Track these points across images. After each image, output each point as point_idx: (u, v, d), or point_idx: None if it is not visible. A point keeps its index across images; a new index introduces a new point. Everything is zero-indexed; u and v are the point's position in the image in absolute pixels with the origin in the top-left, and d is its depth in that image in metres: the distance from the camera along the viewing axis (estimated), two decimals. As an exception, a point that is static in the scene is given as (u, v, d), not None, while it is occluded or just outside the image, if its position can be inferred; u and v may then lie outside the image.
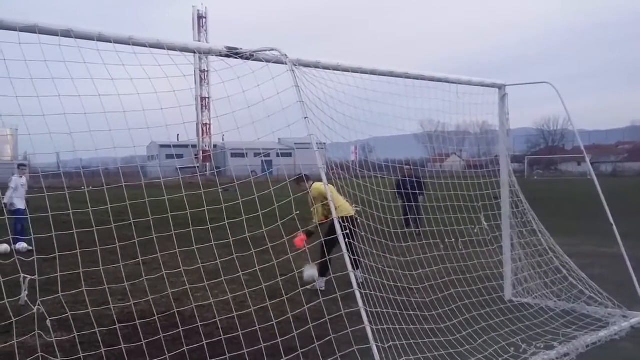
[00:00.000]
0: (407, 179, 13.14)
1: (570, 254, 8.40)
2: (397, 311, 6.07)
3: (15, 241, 12.76)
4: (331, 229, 7.70)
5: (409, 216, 13.54)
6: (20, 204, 13.76)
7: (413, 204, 13.50)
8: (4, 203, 13.51)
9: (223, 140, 62.38)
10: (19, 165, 15.38)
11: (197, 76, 71.46)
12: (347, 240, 5.40)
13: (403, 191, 12.56)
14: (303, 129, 5.32)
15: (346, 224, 7.12)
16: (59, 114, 4.49)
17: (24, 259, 4.62)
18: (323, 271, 8.41)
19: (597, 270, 9.69)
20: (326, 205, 8.10)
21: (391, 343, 5.25)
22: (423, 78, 7.13)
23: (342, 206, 8.05)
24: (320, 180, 5.67)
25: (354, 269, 8.92)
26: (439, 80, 7.32)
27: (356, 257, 9.42)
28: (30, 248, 12.16)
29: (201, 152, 73.30)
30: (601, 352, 6.23)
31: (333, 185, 8.34)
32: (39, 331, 4.62)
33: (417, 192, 12.96)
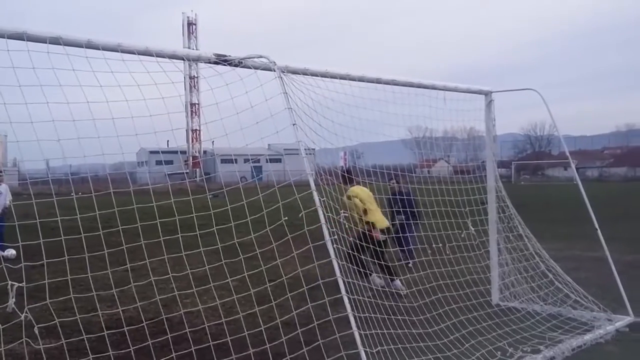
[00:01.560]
0: (398, 197, 10.99)
1: (556, 259, 8.48)
2: (385, 316, 6.11)
3: (3, 248, 12.65)
4: (361, 239, 8.32)
5: (400, 248, 10.70)
6: None
7: (407, 234, 10.26)
8: None
9: (213, 146, 62.28)
10: None
11: (187, 83, 71.24)
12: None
13: (396, 208, 10.67)
14: (292, 135, 5.37)
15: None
16: (48, 121, 4.50)
17: (11, 266, 4.61)
18: (368, 275, 8.47)
19: (583, 274, 9.79)
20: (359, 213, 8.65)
21: (379, 348, 5.28)
22: (411, 85, 7.20)
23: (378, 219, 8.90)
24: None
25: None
26: (426, 87, 7.39)
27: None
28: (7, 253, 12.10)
29: (191, 158, 73.05)
30: (586, 355, 6.30)
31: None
32: (27, 338, 4.61)
33: (410, 211, 10.49)
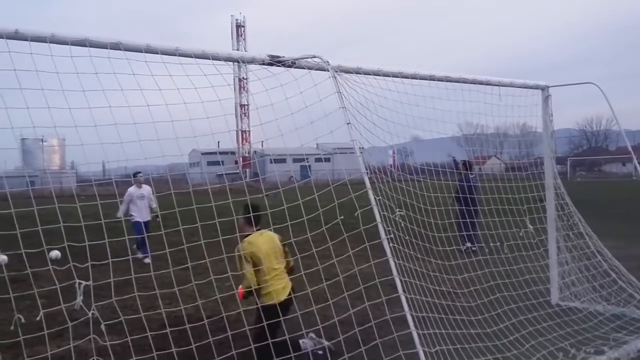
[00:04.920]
0: (465, 184, 12.03)
1: (618, 257, 8.19)
2: (443, 315, 6.04)
3: (140, 252, 12.34)
4: (260, 318, 5.80)
5: (465, 232, 11.26)
6: (139, 216, 12.80)
7: (473, 218, 11.47)
8: (117, 216, 12.02)
9: (262, 146, 62.96)
10: (134, 174, 13.49)
11: (236, 84, 72.28)
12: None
13: (461, 196, 11.48)
14: (344, 134, 5.37)
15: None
16: (110, 125, 4.64)
17: (78, 265, 4.75)
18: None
19: (647, 273, 9.43)
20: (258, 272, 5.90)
21: (437, 348, 5.22)
22: (465, 81, 7.10)
23: (276, 289, 5.95)
24: None
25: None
26: (481, 83, 7.28)
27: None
28: (148, 261, 11.60)
29: (241, 159, 74.10)
30: (653, 357, 6.08)
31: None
32: (94, 335, 4.76)
33: (474, 197, 11.63)
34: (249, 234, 6.01)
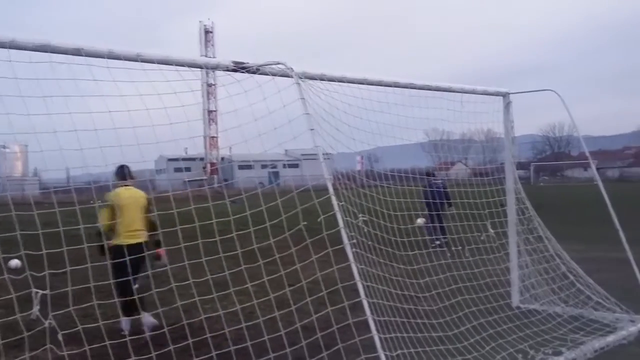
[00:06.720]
0: (434, 189, 12.44)
1: (577, 260, 8.40)
2: (405, 319, 6.11)
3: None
4: (112, 257, 6.74)
5: (437, 236, 12.75)
6: None
7: (442, 222, 12.65)
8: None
9: (230, 152, 62.63)
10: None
11: (204, 90, 71.76)
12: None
13: (432, 201, 11.87)
14: (309, 141, 5.41)
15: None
16: (71, 131, 4.58)
17: (35, 274, 4.68)
18: (125, 309, 7.00)
19: (604, 275, 9.66)
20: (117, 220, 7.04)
21: (399, 351, 5.28)
22: (428, 88, 7.22)
23: (126, 234, 7.08)
24: None
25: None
26: (444, 89, 7.40)
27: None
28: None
29: (209, 165, 73.55)
30: (609, 356, 6.25)
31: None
32: (51, 345, 4.67)
33: (445, 202, 12.23)
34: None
